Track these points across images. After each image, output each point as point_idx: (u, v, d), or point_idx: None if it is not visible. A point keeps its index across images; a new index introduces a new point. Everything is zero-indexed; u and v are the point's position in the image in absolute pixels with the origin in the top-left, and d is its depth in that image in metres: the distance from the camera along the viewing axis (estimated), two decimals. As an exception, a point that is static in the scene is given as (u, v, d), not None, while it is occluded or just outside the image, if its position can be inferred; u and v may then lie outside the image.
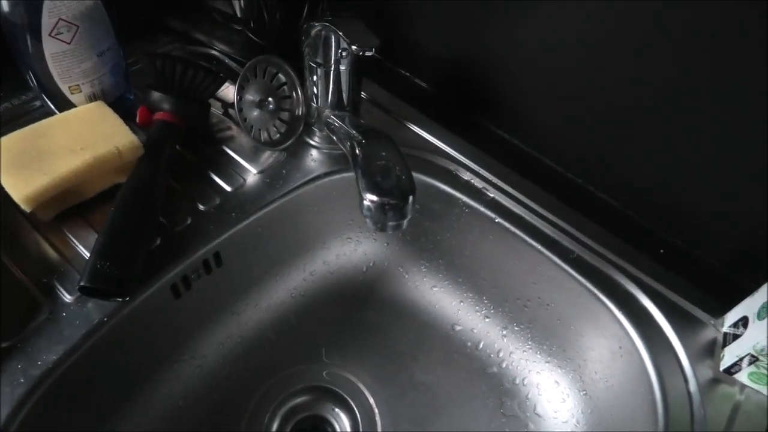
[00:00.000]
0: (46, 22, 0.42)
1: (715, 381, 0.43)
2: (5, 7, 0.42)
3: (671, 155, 0.47)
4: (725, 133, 0.43)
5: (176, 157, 0.50)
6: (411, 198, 0.32)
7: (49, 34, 0.43)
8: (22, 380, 0.38)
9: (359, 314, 0.60)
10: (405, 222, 0.33)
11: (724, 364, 0.42)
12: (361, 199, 0.32)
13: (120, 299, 0.42)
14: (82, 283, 0.40)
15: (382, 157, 0.34)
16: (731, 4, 0.37)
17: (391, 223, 0.33)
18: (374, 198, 0.31)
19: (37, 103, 0.52)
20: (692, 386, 0.42)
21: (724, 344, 0.43)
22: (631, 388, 0.45)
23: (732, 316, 0.44)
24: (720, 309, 0.46)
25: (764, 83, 0.38)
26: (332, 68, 0.47)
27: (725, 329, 0.44)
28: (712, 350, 0.44)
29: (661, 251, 0.49)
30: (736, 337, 0.42)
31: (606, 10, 0.43)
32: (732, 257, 0.48)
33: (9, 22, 0.43)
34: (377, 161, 0.33)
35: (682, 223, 0.50)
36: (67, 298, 0.42)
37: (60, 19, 0.42)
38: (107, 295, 0.41)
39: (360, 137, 0.36)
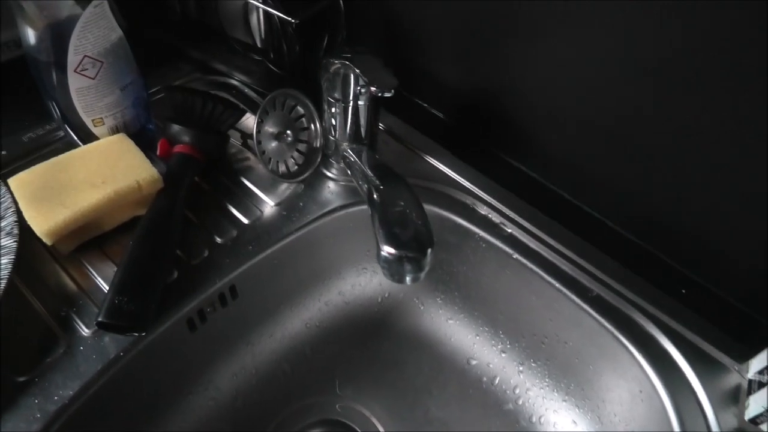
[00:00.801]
0: (72, 58, 0.43)
1: (740, 431, 0.41)
2: (32, 42, 0.43)
3: (693, 190, 0.46)
4: (749, 168, 0.42)
5: (194, 188, 0.51)
6: (429, 251, 0.32)
7: (75, 70, 0.43)
8: (38, 415, 0.38)
9: (374, 346, 0.59)
10: (422, 274, 0.32)
11: (750, 413, 0.40)
12: (379, 250, 0.31)
13: (136, 334, 0.42)
14: (99, 319, 0.40)
15: (399, 204, 0.33)
16: (751, 33, 0.36)
17: (408, 276, 0.32)
18: (392, 251, 0.31)
19: (60, 133, 0.53)
20: (716, 436, 0.41)
21: (749, 392, 0.42)
22: (652, 433, 0.44)
23: (757, 363, 0.43)
24: (745, 353, 0.45)
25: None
26: (350, 104, 0.47)
27: (750, 376, 0.43)
28: (736, 397, 0.43)
29: (683, 291, 0.48)
30: (761, 385, 0.41)
31: (625, 38, 0.43)
32: (758, 298, 0.46)
33: (34, 58, 0.44)
34: (395, 208, 0.33)
35: (706, 261, 0.49)
36: (85, 332, 0.42)
37: (85, 56, 0.43)
38: (124, 330, 0.41)
39: (377, 181, 0.36)
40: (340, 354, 0.58)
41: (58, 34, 0.42)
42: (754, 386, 0.42)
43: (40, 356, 0.40)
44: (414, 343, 0.59)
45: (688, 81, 0.41)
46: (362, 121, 0.49)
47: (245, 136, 0.57)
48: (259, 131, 0.52)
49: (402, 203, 0.33)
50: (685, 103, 0.42)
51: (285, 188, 0.54)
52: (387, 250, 0.31)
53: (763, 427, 0.40)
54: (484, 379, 0.57)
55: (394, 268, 0.32)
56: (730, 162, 0.43)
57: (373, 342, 0.59)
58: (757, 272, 0.46)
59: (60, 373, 0.40)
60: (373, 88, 0.39)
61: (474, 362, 0.58)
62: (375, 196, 0.35)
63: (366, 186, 0.37)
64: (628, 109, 0.46)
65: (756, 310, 0.47)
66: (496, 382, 0.56)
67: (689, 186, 0.46)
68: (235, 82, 0.61)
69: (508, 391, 0.56)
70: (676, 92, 0.42)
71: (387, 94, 0.39)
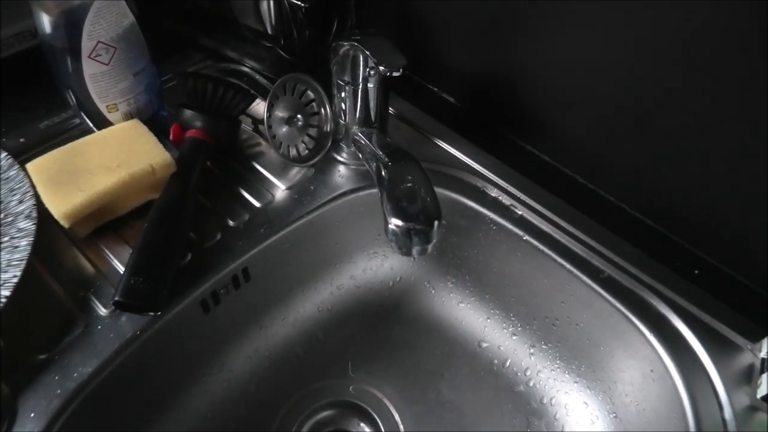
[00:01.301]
0: (86, 44, 0.43)
1: (752, 409, 0.41)
2: (47, 30, 0.44)
3: (707, 172, 0.46)
4: (762, 149, 0.41)
5: (207, 172, 0.51)
6: (437, 223, 0.32)
7: (89, 56, 0.44)
8: (58, 392, 0.39)
9: (386, 329, 0.60)
10: (430, 247, 0.33)
11: (762, 391, 0.40)
12: (386, 223, 0.32)
13: (152, 314, 0.43)
14: (116, 299, 0.41)
15: (407, 180, 0.34)
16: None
17: (416, 248, 0.33)
18: (399, 223, 0.31)
19: (76, 121, 0.54)
20: (727, 414, 0.41)
21: (762, 371, 0.42)
22: (664, 413, 0.44)
23: (770, 342, 0.43)
24: (759, 333, 0.44)
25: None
26: (360, 86, 0.48)
27: (763, 354, 0.43)
28: (749, 376, 0.43)
29: (696, 272, 0.48)
30: (775, 364, 0.40)
31: (639, 21, 0.43)
32: (771, 279, 0.46)
33: (50, 45, 0.45)
34: (403, 184, 0.33)
35: (719, 243, 0.48)
36: (102, 311, 0.43)
37: (99, 41, 0.44)
38: (140, 310, 0.42)
39: (386, 159, 0.37)
40: (352, 337, 0.59)
41: (72, 21, 0.43)
42: (767, 365, 0.41)
43: (60, 335, 0.41)
44: (425, 327, 0.60)
45: (705, 63, 0.41)
46: (372, 104, 0.49)
47: (256, 121, 0.57)
48: (269, 116, 0.53)
49: (410, 178, 0.34)
50: (701, 85, 0.42)
51: (296, 172, 0.54)
52: (394, 222, 0.31)
53: (776, 404, 0.40)
54: (495, 361, 0.57)
55: (401, 241, 0.32)
56: (745, 144, 0.42)
57: (384, 326, 0.60)
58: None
59: (79, 351, 0.41)
60: (381, 68, 0.39)
61: (485, 345, 0.58)
62: (383, 173, 0.35)
63: (375, 164, 0.37)
64: (641, 92, 0.46)
65: (770, 290, 0.46)
66: (507, 364, 0.57)
67: (704, 169, 0.46)
68: (246, 69, 0.61)
69: (519, 374, 0.56)
70: (693, 75, 0.42)
71: (395, 74, 0.39)
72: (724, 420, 0.41)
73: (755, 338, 0.44)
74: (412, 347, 0.59)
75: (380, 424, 0.54)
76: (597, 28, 0.45)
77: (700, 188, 0.47)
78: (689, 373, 0.43)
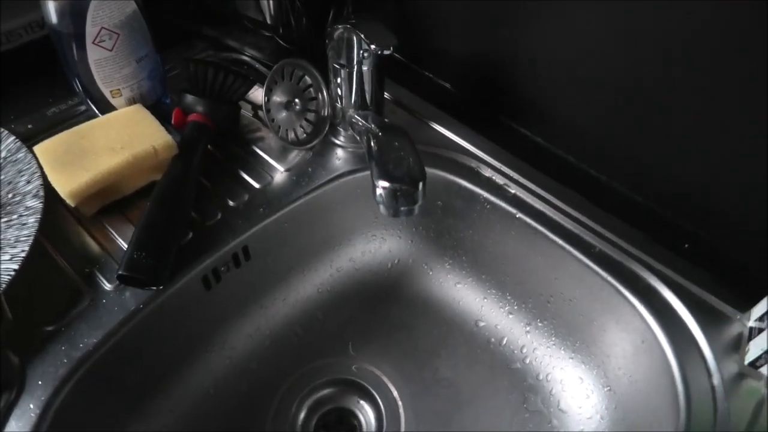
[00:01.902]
0: (90, 30, 0.45)
1: (741, 375, 0.42)
2: (54, 19, 0.46)
3: (695, 149, 0.47)
4: (751, 127, 0.42)
5: (208, 156, 0.53)
6: (421, 184, 0.33)
7: (93, 42, 0.46)
8: (65, 361, 0.40)
9: (384, 310, 0.61)
10: (416, 207, 0.34)
11: (749, 357, 0.41)
12: (374, 186, 0.33)
13: (154, 288, 0.44)
14: (120, 272, 0.42)
15: (395, 147, 0.35)
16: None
17: (402, 209, 0.34)
18: (386, 184, 0.32)
19: (82, 108, 0.56)
20: (716, 380, 0.42)
21: (750, 338, 0.42)
22: (655, 382, 0.45)
23: (758, 310, 0.43)
24: (747, 304, 0.45)
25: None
26: (355, 69, 0.49)
27: (751, 323, 0.43)
28: (738, 345, 0.44)
29: (686, 246, 0.49)
30: (762, 330, 0.41)
31: (630, 4, 0.44)
32: (760, 251, 0.47)
33: (57, 32, 0.46)
34: (390, 151, 0.35)
35: (708, 218, 0.49)
36: (107, 286, 0.45)
37: (102, 27, 0.45)
38: (143, 284, 0.44)
39: (377, 130, 0.38)
40: (352, 318, 0.60)
41: (77, 8, 0.45)
42: (755, 332, 0.42)
43: (66, 308, 0.43)
44: (423, 307, 0.61)
45: (692, 45, 0.42)
46: (367, 86, 0.51)
47: (256, 107, 0.59)
48: (268, 100, 0.54)
49: (397, 145, 0.35)
50: (687, 67, 0.43)
51: (294, 155, 0.56)
52: (381, 184, 0.33)
53: (763, 369, 0.40)
54: (492, 340, 0.58)
55: (388, 202, 0.33)
56: (733, 121, 0.43)
57: (383, 306, 0.61)
58: (759, 227, 0.46)
59: (85, 323, 0.42)
60: (373, 47, 0.40)
61: (482, 324, 0.59)
62: (372, 143, 0.36)
63: (366, 137, 0.38)
64: (630, 76, 0.47)
65: (760, 262, 0.47)
66: (504, 342, 0.58)
67: (692, 146, 0.47)
68: (246, 58, 0.63)
69: (515, 351, 0.57)
70: (679, 58, 0.43)
71: (386, 52, 0.40)
72: (712, 386, 0.42)
73: (744, 308, 0.45)
74: (410, 327, 0.60)
75: (379, 401, 0.55)
76: (589, 11, 0.46)
77: (688, 166, 0.48)
78: (678, 343, 0.44)
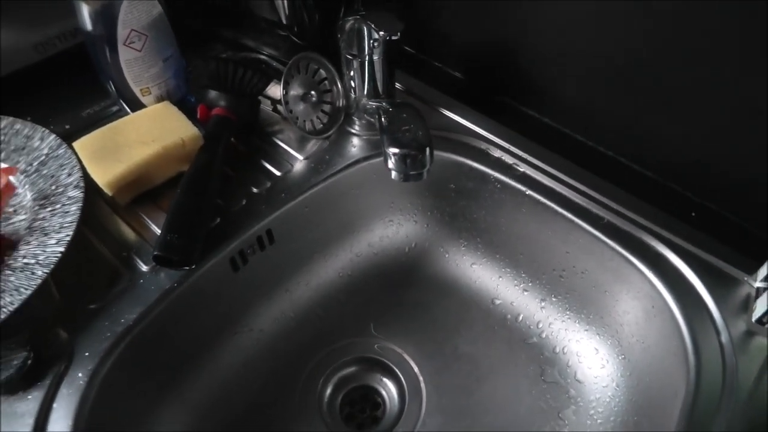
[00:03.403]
0: (121, 33, 0.49)
1: (749, 333, 0.43)
2: (89, 24, 0.50)
3: (699, 120, 0.48)
4: (751, 96, 0.44)
5: (231, 147, 0.56)
6: (428, 149, 0.36)
7: (124, 44, 0.50)
8: (108, 335, 0.44)
9: (404, 292, 0.63)
10: (425, 172, 0.36)
11: (756, 314, 0.42)
12: (385, 154, 0.36)
13: (187, 267, 0.47)
14: (155, 253, 0.46)
15: (404, 119, 0.38)
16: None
17: (412, 173, 0.36)
18: (396, 150, 0.35)
19: (113, 108, 0.60)
20: (724, 338, 0.43)
21: (757, 297, 0.44)
22: (666, 345, 0.47)
23: (764, 271, 0.45)
24: (754, 266, 0.46)
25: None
26: (366, 58, 0.52)
27: (757, 284, 0.45)
28: (746, 306, 0.45)
29: (693, 214, 0.50)
30: (767, 290, 0.42)
31: None
32: (764, 215, 0.48)
33: (91, 36, 0.50)
34: (400, 124, 0.37)
35: (713, 186, 0.51)
36: (144, 268, 0.48)
37: (132, 29, 0.49)
38: (176, 264, 0.47)
39: (388, 106, 0.41)
40: (372, 300, 0.62)
41: (109, 13, 0.48)
42: (761, 291, 0.43)
43: (107, 288, 0.47)
44: (441, 288, 0.63)
45: (693, 16, 0.43)
46: (378, 75, 0.53)
47: (274, 102, 0.62)
48: (286, 93, 0.57)
49: (405, 116, 0.38)
50: (690, 37, 0.45)
51: (312, 144, 0.59)
52: (391, 151, 0.35)
53: (769, 326, 0.42)
54: (509, 316, 0.60)
55: (398, 167, 0.36)
56: (735, 91, 0.45)
57: (402, 288, 0.63)
58: (762, 193, 0.47)
59: (125, 301, 0.46)
60: (381, 33, 0.43)
61: (498, 302, 0.61)
62: (383, 119, 0.39)
63: (377, 114, 0.41)
64: (634, 51, 0.49)
65: (764, 227, 0.48)
66: (520, 318, 0.59)
67: (696, 117, 0.48)
68: (263, 57, 0.66)
69: (531, 326, 0.59)
70: (682, 29, 0.45)
71: (394, 37, 0.43)
72: (721, 344, 0.43)
73: (751, 271, 0.46)
74: (429, 307, 0.62)
75: (401, 377, 0.57)
76: None
77: (691, 137, 0.49)
78: (687, 306, 0.45)
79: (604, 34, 0.50)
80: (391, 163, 0.36)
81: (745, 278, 0.46)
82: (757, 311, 0.42)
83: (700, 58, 0.45)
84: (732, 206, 0.50)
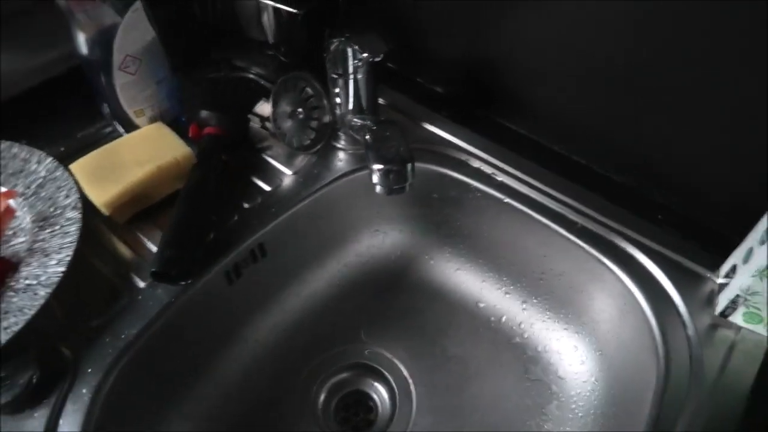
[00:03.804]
0: (116, 58, 0.51)
1: (713, 326, 0.47)
2: (85, 49, 0.52)
3: (664, 130, 0.52)
4: (710, 109, 0.48)
5: (223, 164, 0.59)
6: (409, 165, 0.39)
7: (119, 68, 0.52)
8: (110, 350, 0.46)
9: (392, 298, 0.66)
10: (407, 185, 0.39)
11: (719, 308, 0.46)
12: (371, 170, 0.38)
13: (183, 282, 0.49)
14: (153, 269, 0.48)
15: (387, 137, 0.41)
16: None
17: (395, 187, 0.39)
18: (380, 166, 0.38)
19: (108, 129, 0.62)
20: (691, 331, 0.46)
21: (719, 292, 0.47)
22: (639, 340, 0.50)
23: (725, 267, 0.48)
24: (717, 263, 0.50)
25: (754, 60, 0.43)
26: (351, 77, 0.55)
27: (720, 280, 0.48)
28: (711, 300, 0.48)
29: (659, 216, 0.54)
30: (728, 284, 0.46)
31: (602, 6, 0.49)
32: (728, 216, 0.52)
33: (88, 61, 0.52)
34: (383, 141, 0.40)
35: (678, 190, 0.54)
36: (142, 284, 0.50)
37: (127, 55, 0.52)
38: (173, 279, 0.49)
39: (372, 125, 0.43)
40: (362, 307, 0.65)
41: (105, 39, 0.51)
42: (724, 287, 0.47)
43: (108, 306, 0.48)
44: (427, 294, 0.66)
45: (648, 35, 0.47)
46: (363, 93, 0.56)
47: (263, 119, 0.65)
48: (275, 110, 0.60)
49: (388, 135, 0.40)
50: (651, 54, 0.48)
51: (300, 159, 0.61)
52: (376, 167, 0.38)
53: (732, 318, 0.45)
54: (492, 318, 0.63)
55: (383, 181, 0.39)
56: (694, 105, 0.48)
57: (390, 295, 0.66)
58: (723, 194, 0.51)
59: (125, 317, 0.48)
60: (365, 55, 0.46)
61: (482, 305, 0.64)
62: (368, 136, 0.42)
63: (363, 132, 0.44)
64: (601, 66, 0.53)
65: (727, 226, 0.52)
66: (504, 320, 0.62)
67: (660, 128, 0.52)
68: (252, 75, 0.69)
69: (514, 327, 0.62)
70: (646, 45, 0.48)
71: (377, 59, 0.46)
72: (688, 336, 0.46)
73: (715, 268, 0.50)
74: (416, 312, 0.65)
75: (392, 381, 0.60)
76: (567, 11, 0.51)
77: (656, 145, 0.53)
78: (656, 302, 0.49)
79: (576, 54, 0.54)
80: (375, 178, 0.39)
81: (709, 275, 0.50)
82: (720, 305, 0.46)
83: (672, 69, 0.48)
84: (693, 208, 0.53)
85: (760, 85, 0.43)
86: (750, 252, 0.43)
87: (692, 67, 0.47)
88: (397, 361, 0.61)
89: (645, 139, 0.54)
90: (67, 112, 0.63)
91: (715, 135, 0.49)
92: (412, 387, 0.59)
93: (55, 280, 0.46)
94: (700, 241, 0.52)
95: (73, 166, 0.53)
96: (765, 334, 0.44)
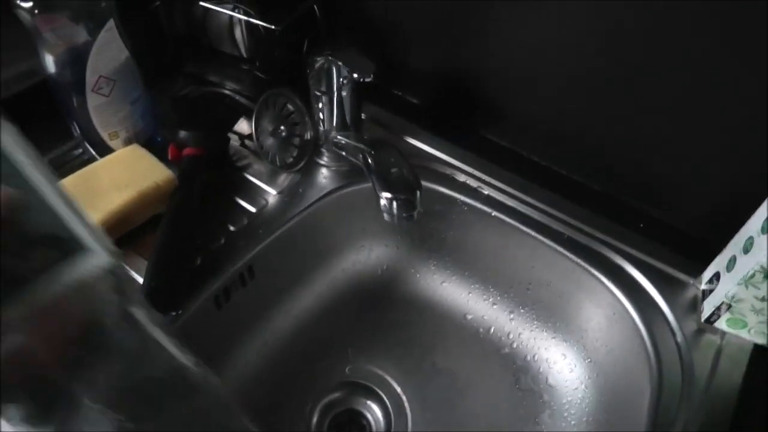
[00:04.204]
0: (90, 79, 0.49)
1: (700, 332, 0.48)
2: (52, 69, 0.49)
3: (645, 142, 0.53)
4: (688, 123, 0.49)
5: (206, 186, 0.57)
6: (418, 192, 0.39)
7: (92, 90, 0.49)
8: (97, 388, 0.43)
9: (379, 314, 0.65)
10: (415, 213, 0.39)
11: (705, 315, 0.47)
12: (379, 198, 0.38)
13: (173, 313, 0.48)
14: (140, 300, 0.45)
15: (391, 162, 0.40)
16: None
17: (404, 215, 0.39)
18: (388, 195, 0.37)
19: (78, 151, 0.59)
20: (679, 338, 0.48)
21: (703, 299, 0.49)
22: (628, 347, 0.51)
23: (707, 274, 0.50)
24: (699, 270, 0.52)
25: (736, 71, 0.44)
26: (335, 95, 0.54)
27: (703, 286, 0.50)
28: (695, 306, 0.50)
29: (641, 225, 0.56)
30: (712, 291, 0.48)
31: (577, 16, 0.50)
32: (706, 223, 0.54)
33: (57, 82, 0.50)
34: (388, 167, 0.40)
35: (659, 199, 0.56)
36: (126, 315, 0.48)
37: (101, 76, 0.49)
38: (161, 310, 0.47)
39: (369, 149, 0.43)
40: (349, 324, 0.64)
41: (77, 59, 0.48)
42: (707, 293, 0.49)
43: (91, 340, 0.46)
44: (414, 307, 0.66)
45: (621, 49, 0.49)
46: (347, 109, 0.56)
47: (242, 137, 0.63)
48: (257, 128, 0.59)
49: (392, 160, 0.40)
50: (630, 68, 0.50)
51: (284, 178, 0.60)
52: (384, 195, 0.38)
53: (717, 324, 0.47)
54: (480, 330, 0.63)
55: (390, 210, 0.38)
56: (672, 118, 0.50)
57: (377, 310, 0.65)
58: (703, 203, 0.53)
59: (110, 351, 0.45)
60: (354, 75, 0.45)
61: (470, 317, 0.64)
62: (369, 160, 0.41)
63: (360, 155, 0.43)
64: (580, 79, 0.54)
65: (707, 233, 0.54)
66: (492, 331, 0.63)
67: (641, 141, 0.54)
68: (227, 92, 0.67)
69: (502, 338, 0.62)
70: (628, 56, 0.49)
71: (368, 79, 0.45)
72: (677, 343, 0.48)
73: (696, 274, 0.52)
74: (404, 326, 0.65)
75: (384, 398, 0.59)
76: (544, 21, 0.52)
77: (638, 156, 0.55)
78: (644, 310, 0.50)
79: (557, 68, 0.55)
80: (384, 207, 0.39)
81: (692, 281, 0.52)
82: (705, 312, 0.48)
83: (656, 78, 0.50)
84: (675, 216, 0.55)
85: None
86: (733, 260, 0.45)
87: (675, 72, 0.48)
88: (388, 377, 0.61)
89: (625, 153, 0.55)
90: (31, 133, 0.59)
91: (696, 143, 0.51)
92: (405, 403, 0.59)
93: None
94: (680, 249, 0.54)
95: (45, 193, 0.50)
96: (749, 338, 0.46)
